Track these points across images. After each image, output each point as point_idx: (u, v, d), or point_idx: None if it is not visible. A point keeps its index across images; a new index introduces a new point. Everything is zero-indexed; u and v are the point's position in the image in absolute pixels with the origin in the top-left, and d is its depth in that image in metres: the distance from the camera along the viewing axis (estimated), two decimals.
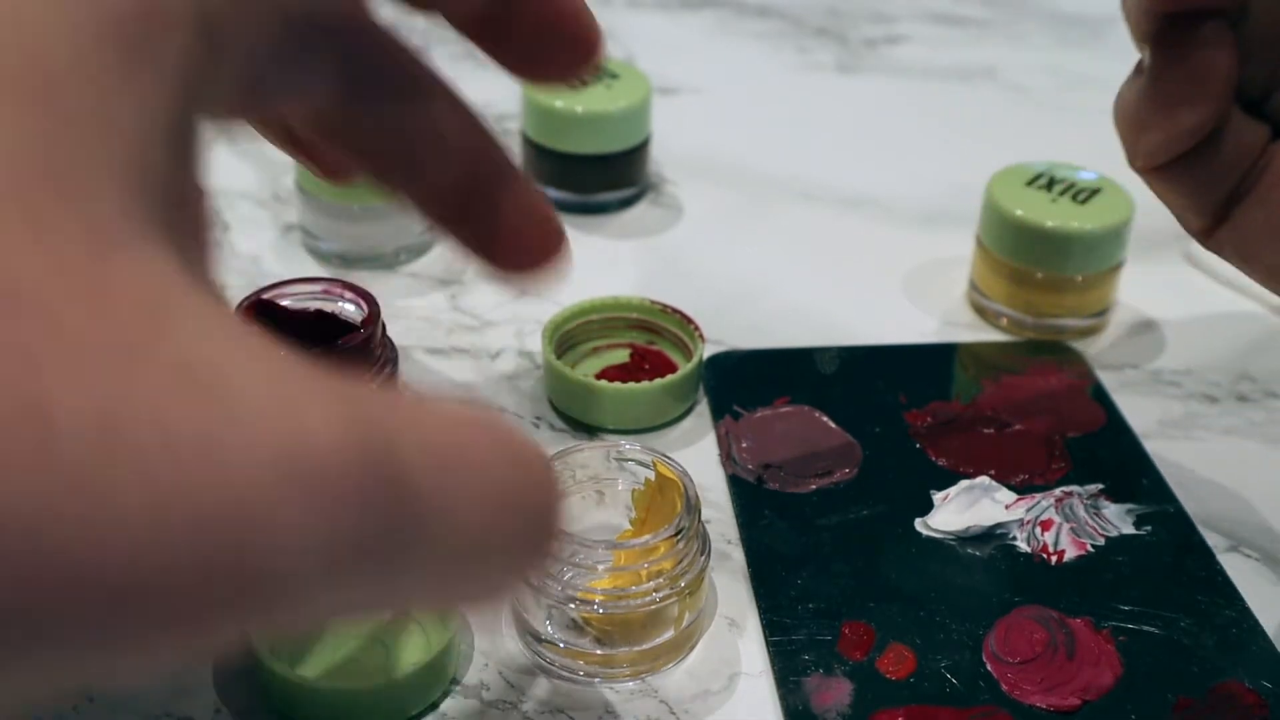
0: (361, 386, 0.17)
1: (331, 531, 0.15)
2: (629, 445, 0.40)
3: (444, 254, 0.57)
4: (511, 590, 0.22)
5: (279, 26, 0.24)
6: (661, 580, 0.36)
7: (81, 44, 0.17)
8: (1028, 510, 0.44)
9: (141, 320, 0.15)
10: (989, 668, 0.38)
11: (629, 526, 0.41)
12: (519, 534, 0.19)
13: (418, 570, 0.17)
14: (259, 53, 0.24)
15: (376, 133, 0.30)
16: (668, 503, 0.39)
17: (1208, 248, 0.37)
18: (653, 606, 0.36)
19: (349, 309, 0.46)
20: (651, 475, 0.40)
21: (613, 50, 0.78)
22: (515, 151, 0.51)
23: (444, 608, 0.20)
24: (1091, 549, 0.43)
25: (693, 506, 0.37)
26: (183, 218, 0.19)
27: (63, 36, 0.16)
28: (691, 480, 0.38)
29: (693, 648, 0.39)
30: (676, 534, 0.37)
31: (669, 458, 0.39)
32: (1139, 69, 0.34)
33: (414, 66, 0.30)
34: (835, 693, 0.37)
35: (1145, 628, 0.40)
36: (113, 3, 0.17)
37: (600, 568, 0.36)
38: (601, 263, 0.58)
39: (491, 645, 0.39)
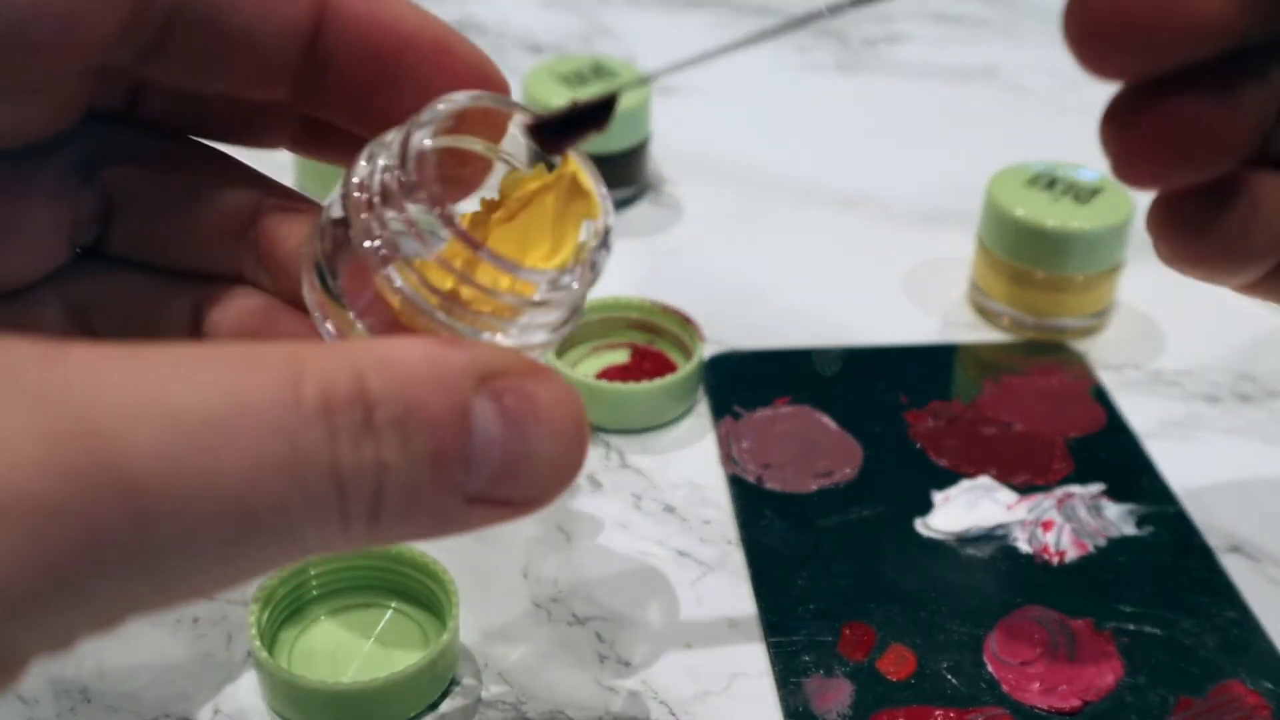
0: (101, 380, 0.17)
1: (38, 554, 0.16)
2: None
3: None
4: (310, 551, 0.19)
5: None
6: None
7: None
8: (1029, 511, 0.44)
9: None
10: (990, 669, 0.38)
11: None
12: (294, 505, 0.18)
13: (183, 560, 0.17)
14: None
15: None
16: (563, 218, 0.26)
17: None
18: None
19: None
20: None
21: (613, 50, 0.78)
22: None
23: (249, 579, 0.20)
24: (1093, 550, 0.43)
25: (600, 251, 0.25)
26: None
27: None
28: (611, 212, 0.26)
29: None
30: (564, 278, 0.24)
31: (593, 169, 0.26)
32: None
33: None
34: (836, 694, 0.37)
35: (1146, 628, 0.40)
36: None
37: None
38: None
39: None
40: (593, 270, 0.24)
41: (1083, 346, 0.54)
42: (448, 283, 0.23)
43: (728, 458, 0.46)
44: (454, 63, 0.26)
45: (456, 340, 0.21)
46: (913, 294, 0.57)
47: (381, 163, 0.23)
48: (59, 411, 0.16)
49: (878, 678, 0.38)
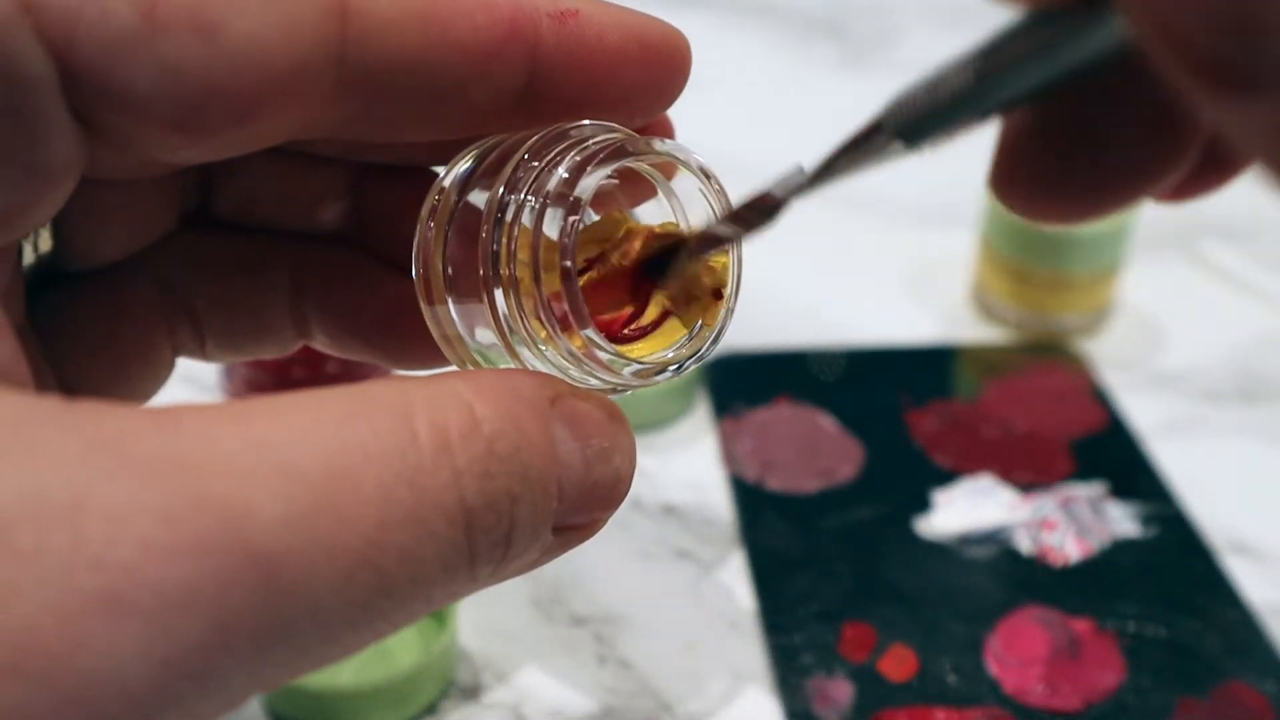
0: (230, 445, 0.16)
1: (167, 650, 0.14)
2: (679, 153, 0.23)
3: None
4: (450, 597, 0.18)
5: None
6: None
7: None
8: (1031, 511, 0.44)
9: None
10: (992, 669, 0.38)
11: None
12: (423, 554, 0.17)
13: (312, 634, 0.16)
14: None
15: None
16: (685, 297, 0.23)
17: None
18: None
19: None
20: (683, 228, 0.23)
21: None
22: None
23: (394, 631, 0.18)
24: (1095, 550, 0.43)
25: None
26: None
27: None
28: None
29: None
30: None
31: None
32: None
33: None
34: (837, 694, 0.37)
35: (1148, 629, 0.40)
36: None
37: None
38: None
39: None
40: (643, 385, 0.23)
41: (1085, 345, 0.53)
42: (538, 326, 0.21)
43: (728, 458, 0.46)
44: (655, 56, 0.24)
45: (514, 368, 0.20)
46: (914, 293, 0.57)
47: (543, 191, 0.21)
48: (177, 480, 0.15)
49: (879, 678, 0.38)
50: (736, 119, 0.72)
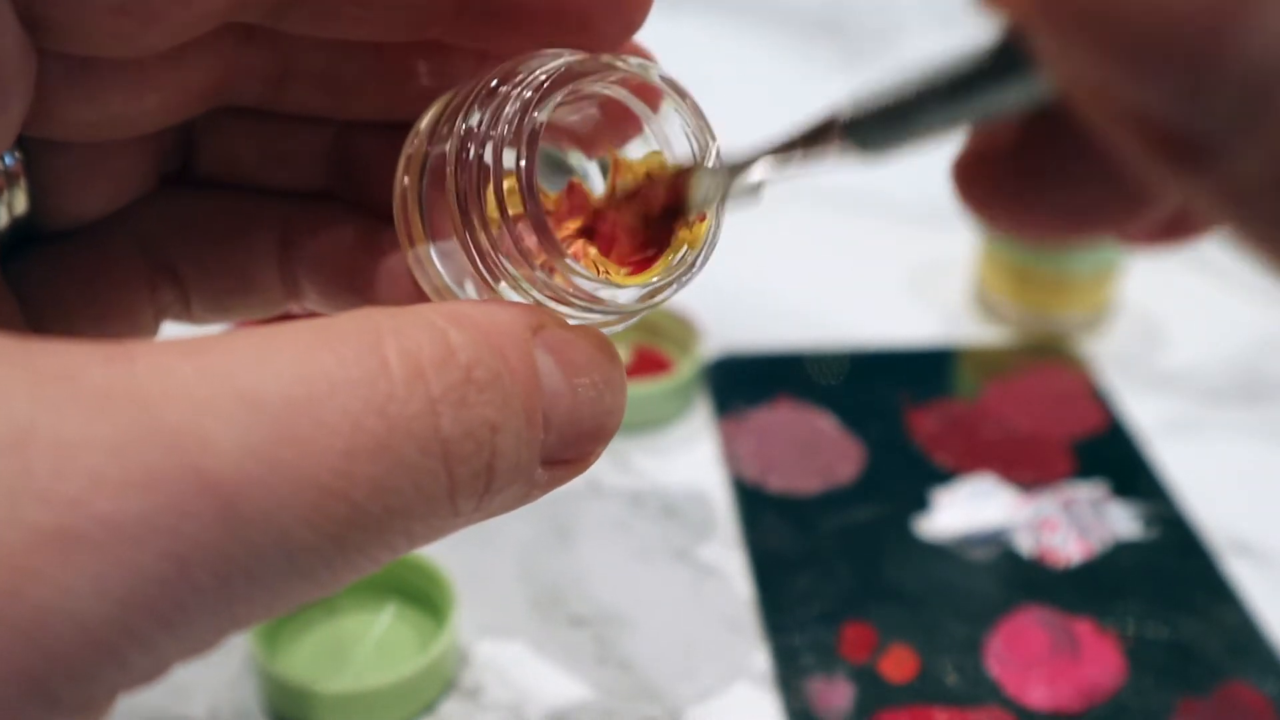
0: (193, 373, 0.15)
1: (123, 584, 0.14)
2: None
3: None
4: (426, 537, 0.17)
5: None
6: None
7: None
8: (1031, 512, 0.44)
9: None
10: (992, 670, 0.38)
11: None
12: (396, 486, 0.16)
13: (280, 568, 0.15)
14: None
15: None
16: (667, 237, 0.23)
17: None
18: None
19: None
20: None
21: None
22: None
23: (367, 572, 0.17)
24: (1095, 550, 0.43)
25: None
26: None
27: None
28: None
29: None
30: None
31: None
32: None
33: None
34: (837, 694, 0.37)
35: (1149, 629, 0.40)
36: None
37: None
38: None
39: None
40: (626, 320, 0.23)
41: (1086, 345, 0.53)
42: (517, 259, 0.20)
43: (728, 458, 0.46)
44: None
45: (495, 299, 0.19)
46: (915, 293, 0.57)
47: (502, 126, 0.20)
48: (127, 410, 0.14)
49: (879, 679, 0.38)
50: (736, 119, 0.72)
